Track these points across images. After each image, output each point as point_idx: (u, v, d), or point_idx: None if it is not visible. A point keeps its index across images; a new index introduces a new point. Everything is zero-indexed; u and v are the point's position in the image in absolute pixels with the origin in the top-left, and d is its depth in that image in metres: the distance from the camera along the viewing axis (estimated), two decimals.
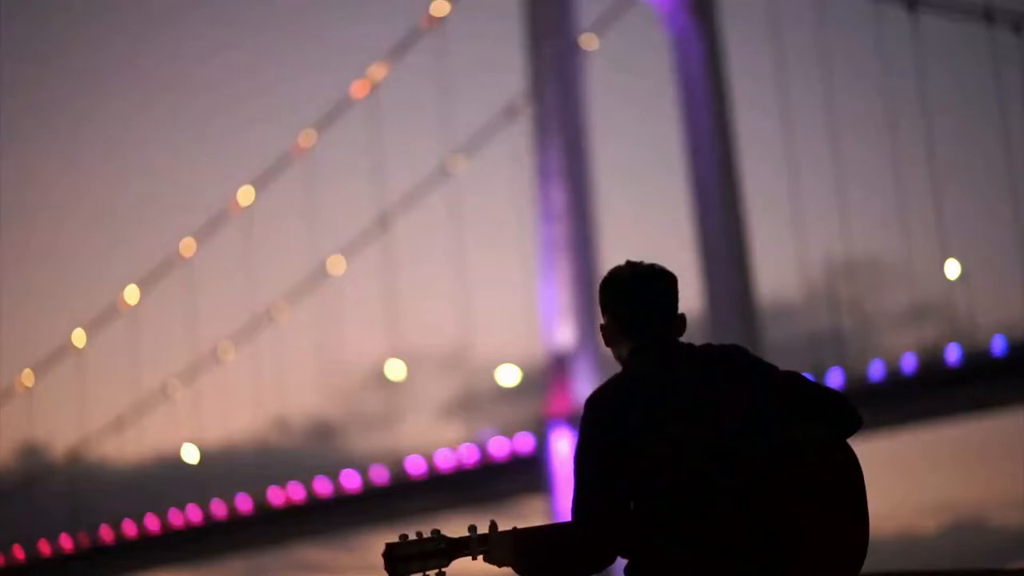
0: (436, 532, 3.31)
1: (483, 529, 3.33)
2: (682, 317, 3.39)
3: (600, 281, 3.42)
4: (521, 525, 3.35)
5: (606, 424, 3.25)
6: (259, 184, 31.00)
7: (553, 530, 3.33)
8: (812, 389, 3.32)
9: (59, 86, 46.84)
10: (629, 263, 3.39)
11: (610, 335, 3.40)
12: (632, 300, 3.36)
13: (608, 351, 3.44)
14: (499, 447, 27.93)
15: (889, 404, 25.26)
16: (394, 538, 3.30)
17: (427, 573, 3.28)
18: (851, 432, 3.31)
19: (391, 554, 3.27)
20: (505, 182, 31.18)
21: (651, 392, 3.26)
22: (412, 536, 3.30)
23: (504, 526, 3.34)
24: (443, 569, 3.29)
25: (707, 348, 3.37)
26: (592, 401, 3.30)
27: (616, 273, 3.39)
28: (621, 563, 3.32)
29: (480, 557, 3.32)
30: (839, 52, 29.12)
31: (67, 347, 32.14)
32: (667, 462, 3.21)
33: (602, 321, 3.42)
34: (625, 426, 3.23)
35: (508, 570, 3.34)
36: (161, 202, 45.36)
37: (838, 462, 3.28)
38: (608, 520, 3.23)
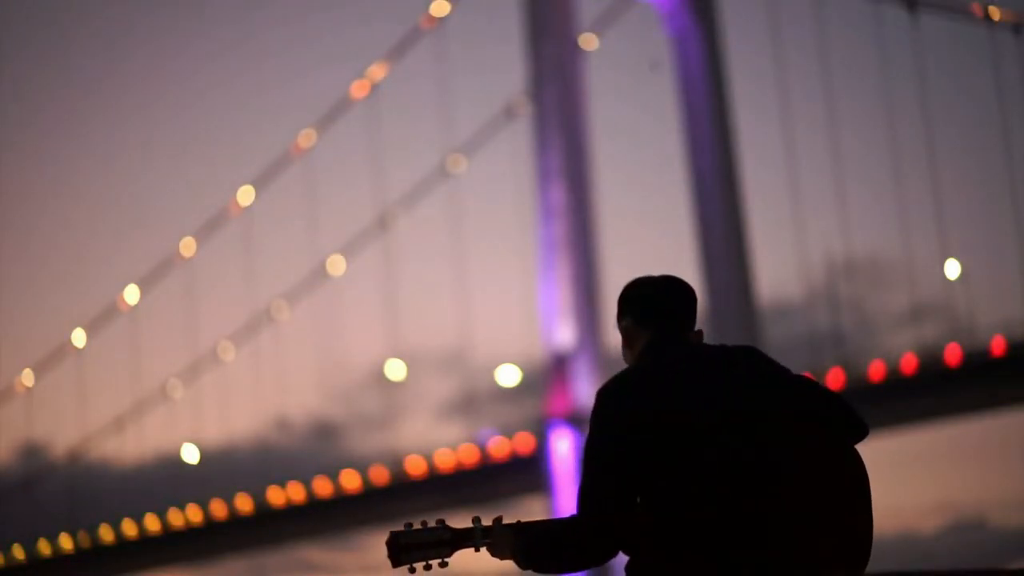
0: (441, 522, 3.32)
1: (488, 523, 3.34)
2: (699, 332, 3.43)
3: (623, 288, 3.47)
4: None
5: (616, 417, 3.24)
6: (259, 184, 31.03)
7: (556, 524, 3.33)
8: (822, 392, 3.34)
9: (59, 86, 46.89)
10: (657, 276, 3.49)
11: (629, 332, 3.43)
12: (655, 295, 3.41)
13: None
14: (499, 447, 27.92)
15: (889, 404, 25.25)
16: None
17: (430, 562, 3.30)
18: (858, 439, 3.33)
19: (396, 542, 3.28)
20: (505, 182, 31.21)
21: (662, 387, 3.27)
22: (417, 525, 3.31)
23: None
24: (446, 559, 3.30)
25: (720, 348, 3.39)
26: (603, 393, 3.29)
27: (642, 277, 3.46)
28: (620, 562, 3.32)
29: (483, 549, 3.33)
30: (839, 52, 29.14)
31: (67, 347, 32.17)
32: (675, 458, 3.21)
33: (622, 323, 3.44)
34: (635, 420, 3.23)
35: (511, 564, 3.34)
36: (161, 202, 45.43)
37: (845, 464, 3.28)
38: (612, 514, 3.23)
